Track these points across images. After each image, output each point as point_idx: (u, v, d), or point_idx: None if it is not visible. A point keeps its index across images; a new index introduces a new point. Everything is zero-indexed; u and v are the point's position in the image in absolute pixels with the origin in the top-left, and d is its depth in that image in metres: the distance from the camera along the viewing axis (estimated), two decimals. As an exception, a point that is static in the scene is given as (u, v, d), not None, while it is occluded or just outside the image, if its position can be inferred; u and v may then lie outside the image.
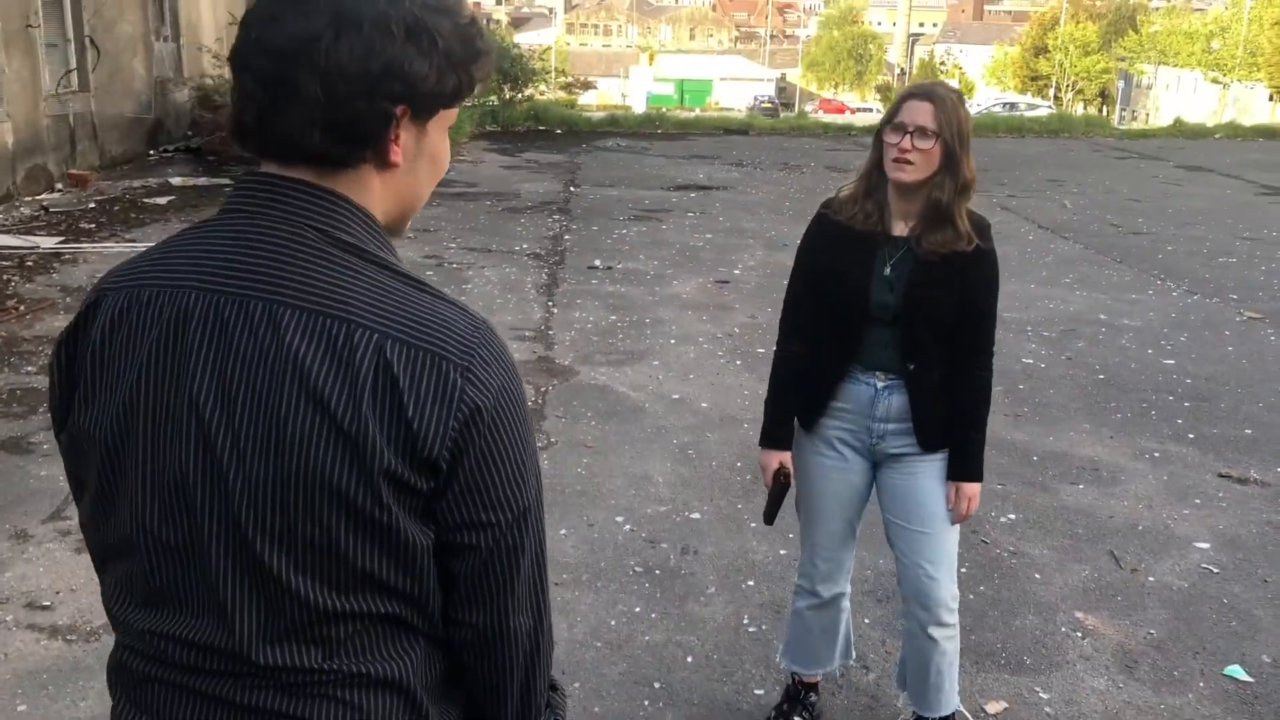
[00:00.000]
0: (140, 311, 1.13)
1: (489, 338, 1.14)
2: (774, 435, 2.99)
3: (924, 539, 2.86)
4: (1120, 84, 61.71)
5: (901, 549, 2.92)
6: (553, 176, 14.47)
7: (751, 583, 4.12)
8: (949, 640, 2.94)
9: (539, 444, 5.34)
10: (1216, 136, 23.01)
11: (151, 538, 1.13)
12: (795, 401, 2.93)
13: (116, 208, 11.02)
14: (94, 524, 1.20)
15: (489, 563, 1.16)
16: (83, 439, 1.17)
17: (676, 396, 6.17)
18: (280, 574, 1.10)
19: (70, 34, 13.05)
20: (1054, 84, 67.43)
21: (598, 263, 9.48)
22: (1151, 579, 4.24)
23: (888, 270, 2.74)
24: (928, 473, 2.84)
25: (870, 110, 60.27)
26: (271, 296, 1.08)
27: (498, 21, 35.35)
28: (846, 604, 3.17)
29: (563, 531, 4.46)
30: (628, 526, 4.54)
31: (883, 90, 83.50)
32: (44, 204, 11.10)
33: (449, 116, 1.19)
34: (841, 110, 56.38)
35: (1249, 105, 48.34)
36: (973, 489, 2.83)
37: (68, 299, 7.72)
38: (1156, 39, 55.09)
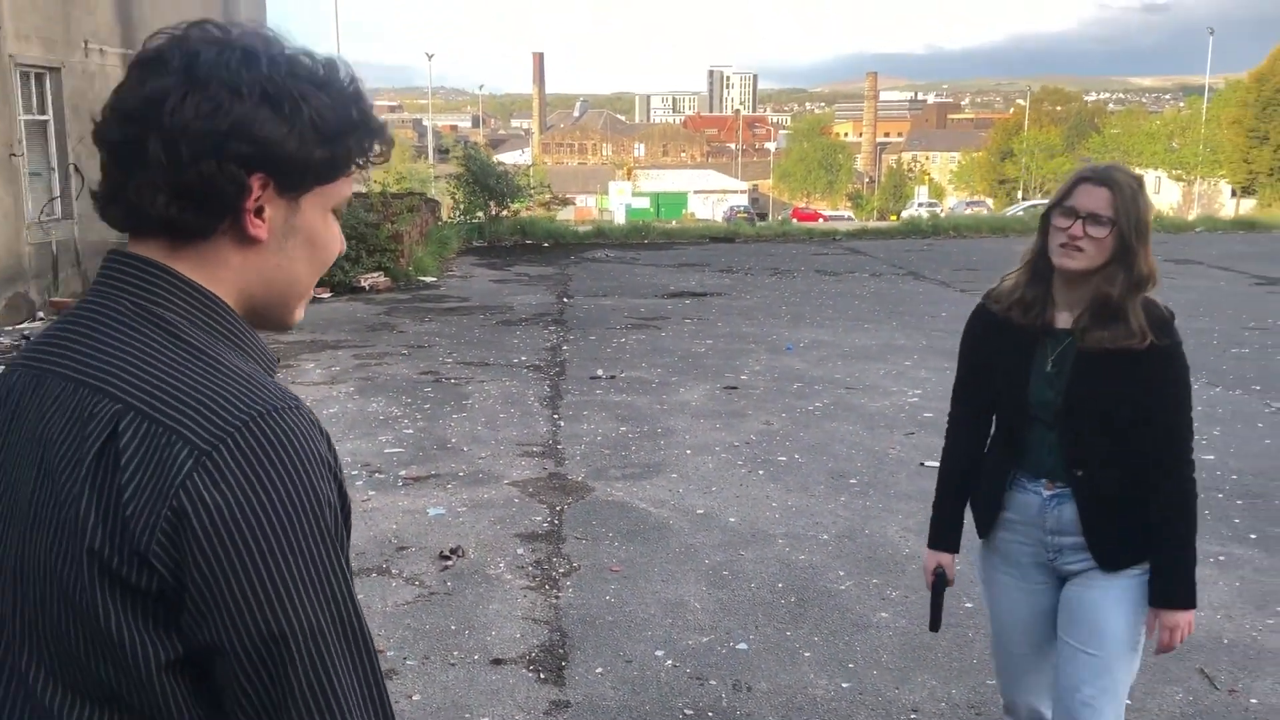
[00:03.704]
0: None
1: (266, 426, 0.96)
2: (935, 535, 2.83)
3: (1089, 661, 2.51)
4: (1087, 184, 62.99)
5: (1062, 669, 2.58)
6: (544, 288, 14.27)
7: (817, 722, 3.69)
8: None
9: (561, 570, 4.95)
10: (1197, 230, 23.24)
11: None
12: (959, 503, 2.77)
13: (98, 333, 10.68)
14: None
15: (244, 696, 0.96)
16: None
17: (701, 511, 5.79)
18: (28, 674, 0.98)
19: (54, 162, 12.90)
20: (1021, 186, 68.86)
21: (600, 372, 9.17)
22: (1254, 700, 3.84)
23: (1049, 366, 2.50)
24: (1109, 588, 2.51)
25: (844, 217, 61.09)
26: (57, 369, 1.02)
27: (475, 144, 35.78)
28: None
29: (599, 670, 4.03)
30: (669, 661, 4.11)
31: (853, 198, 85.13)
32: (25, 333, 10.75)
33: (331, 195, 1.09)
34: (815, 218, 57.01)
35: (1212, 201, 49.39)
36: (1178, 617, 2.47)
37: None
38: (1119, 140, 56.48)
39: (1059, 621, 2.61)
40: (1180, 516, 2.47)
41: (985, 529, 2.68)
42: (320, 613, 0.97)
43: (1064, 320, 2.50)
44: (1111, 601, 2.50)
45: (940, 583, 2.80)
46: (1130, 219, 2.39)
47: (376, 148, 1.10)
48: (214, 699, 0.98)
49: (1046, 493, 2.54)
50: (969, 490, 2.74)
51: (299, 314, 1.14)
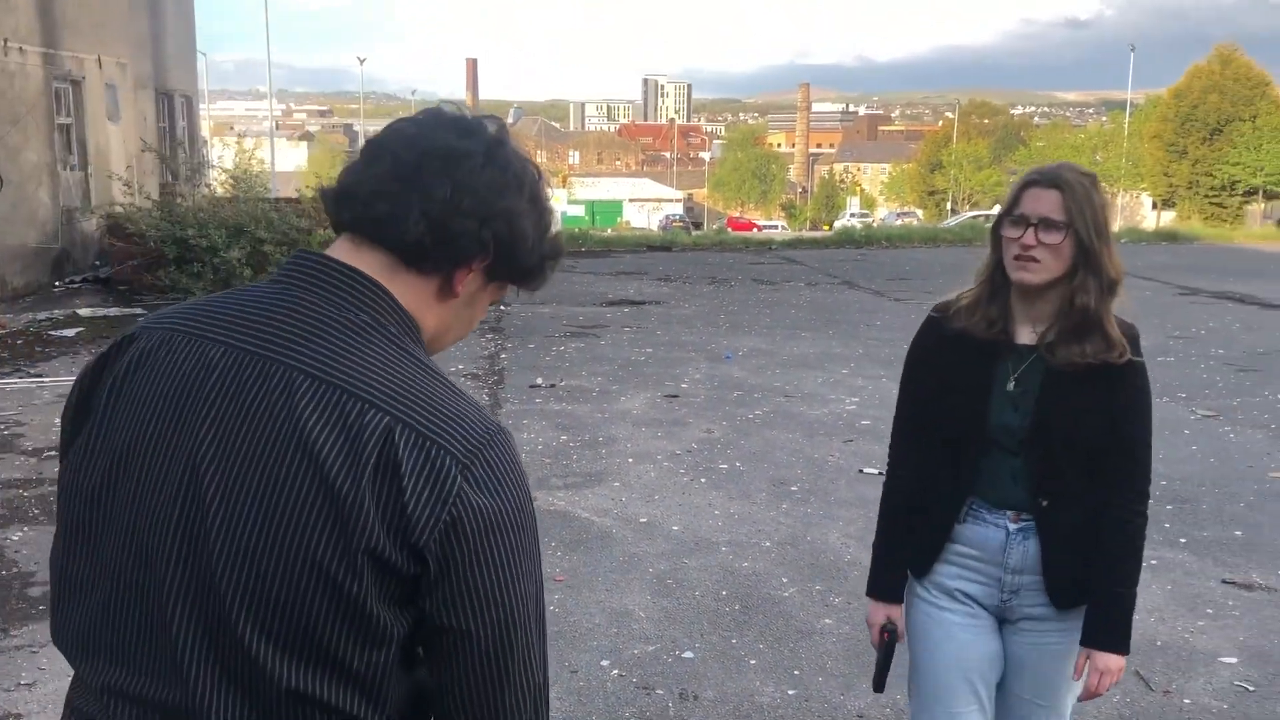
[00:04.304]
0: (167, 354, 1.17)
1: (500, 443, 1.16)
2: (881, 583, 2.46)
3: (1039, 711, 2.35)
4: (1014, 196, 64.28)
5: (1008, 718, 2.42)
6: (481, 296, 14.17)
7: (764, 730, 3.69)
8: None
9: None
10: (1122, 241, 23.82)
11: (121, 582, 1.14)
12: (908, 541, 2.42)
13: (20, 341, 10.34)
14: (63, 559, 1.21)
15: (471, 671, 1.16)
16: (70, 477, 1.20)
17: (644, 520, 5.77)
18: (243, 635, 1.09)
19: (-29, 163, 12.50)
20: (950, 198, 70.11)
21: (539, 381, 9.11)
22: (1188, 701, 3.92)
23: (1011, 385, 2.26)
24: (1063, 639, 2.31)
25: (777, 227, 61.66)
26: (293, 364, 1.12)
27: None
28: None
29: (544, 680, 3.98)
30: (615, 671, 4.08)
31: (787, 208, 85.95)
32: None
33: (501, 291, 1.30)
34: (749, 227, 57.55)
35: (1134, 213, 50.79)
36: (1111, 661, 2.23)
37: (-34, 440, 7.05)
38: (1044, 153, 57.73)
39: (1005, 672, 2.39)
40: (1130, 554, 2.27)
41: (926, 565, 2.38)
42: (534, 598, 1.20)
43: (1026, 336, 2.28)
44: (1066, 653, 2.31)
45: (892, 640, 2.43)
46: (1086, 219, 2.17)
47: (545, 282, 1.32)
48: (409, 664, 1.18)
49: (1012, 526, 2.28)
50: (914, 527, 2.42)
51: None
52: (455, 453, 1.11)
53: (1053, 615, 2.30)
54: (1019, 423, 2.25)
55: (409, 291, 1.21)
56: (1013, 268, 2.23)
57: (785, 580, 4.99)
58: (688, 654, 4.23)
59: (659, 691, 3.93)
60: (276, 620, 1.09)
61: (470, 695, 1.17)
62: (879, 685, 2.47)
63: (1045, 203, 2.19)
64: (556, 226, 1.31)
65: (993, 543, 2.30)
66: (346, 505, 1.07)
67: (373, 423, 1.09)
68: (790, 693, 3.93)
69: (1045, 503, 2.26)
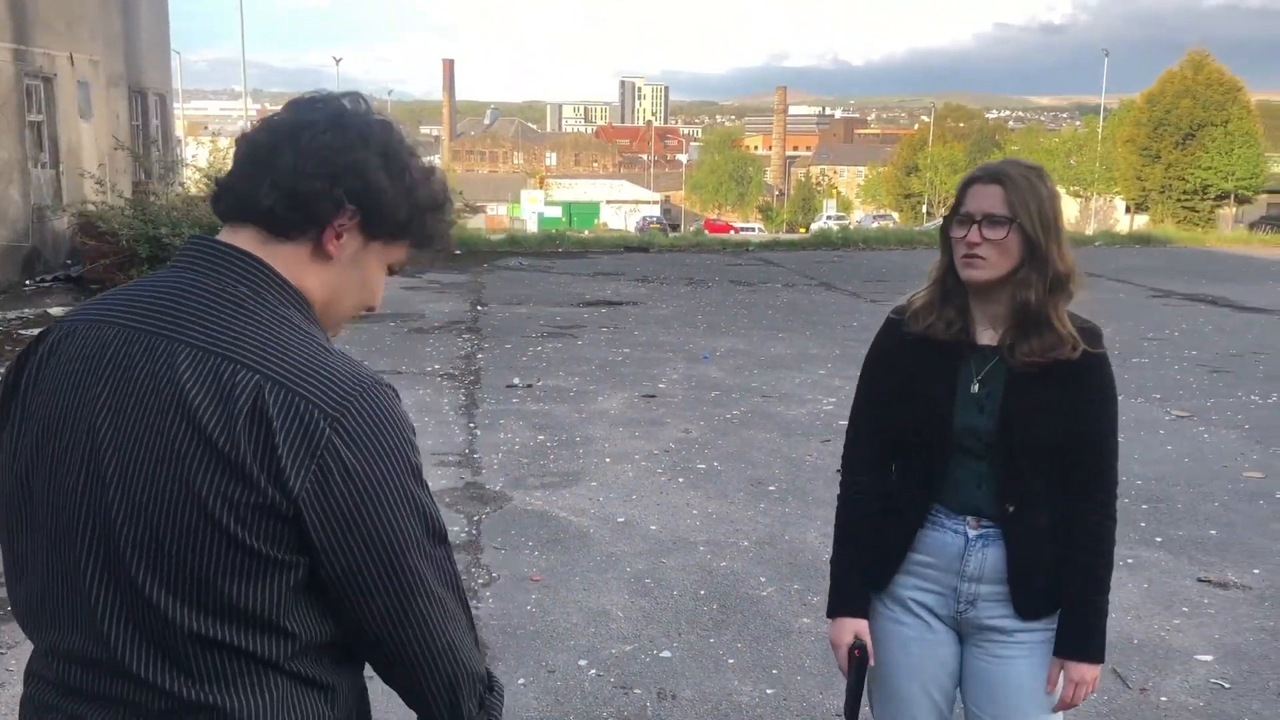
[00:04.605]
0: (71, 342, 1.28)
1: (373, 394, 1.24)
2: (844, 600, 2.33)
3: None
4: (989, 199, 64.68)
5: None
6: (458, 296, 14.10)
7: (743, 729, 3.67)
8: None
9: (481, 580, 4.85)
10: (1096, 244, 24.02)
11: (46, 553, 1.25)
12: (868, 553, 2.32)
13: (-11, 340, 10.21)
14: (8, 540, 1.32)
15: (373, 605, 1.25)
16: (2, 466, 1.31)
17: (622, 520, 5.74)
18: (145, 587, 1.19)
19: (-60, 159, 12.33)
20: (926, 201, 70.49)
21: (516, 381, 9.07)
22: (1164, 699, 3.93)
23: (975, 387, 2.20)
24: (1026, 653, 2.23)
25: (753, 229, 61.76)
26: (175, 336, 1.22)
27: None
28: None
29: (521, 681, 3.95)
30: (593, 671, 4.05)
31: (764, 210, 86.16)
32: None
33: (393, 252, 1.36)
34: (727, 229, 57.64)
35: (1108, 216, 51.22)
36: (1086, 671, 2.19)
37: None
38: (1018, 156, 58.01)
39: (968, 690, 2.32)
40: (1101, 559, 2.21)
41: (885, 577, 2.30)
42: (417, 529, 1.26)
43: (987, 337, 2.23)
44: (1032, 666, 2.23)
45: (863, 660, 2.29)
46: (1031, 213, 2.12)
47: (438, 239, 1.38)
48: (314, 606, 1.25)
49: (972, 532, 2.21)
50: (872, 537, 2.33)
51: (335, 334, 1.39)
52: (323, 406, 1.20)
53: (1013, 628, 2.23)
54: (985, 425, 2.19)
55: (284, 260, 1.29)
56: (961, 266, 2.19)
57: (763, 579, 4.97)
58: (666, 653, 4.20)
59: (637, 691, 3.90)
60: (173, 571, 1.19)
61: (384, 644, 1.28)
62: (852, 713, 2.31)
63: (988, 199, 2.15)
64: (438, 184, 1.37)
65: (950, 549, 2.23)
66: (224, 457, 1.17)
67: (243, 381, 1.19)
68: (769, 692, 3.91)
69: (1012, 508, 2.19)
